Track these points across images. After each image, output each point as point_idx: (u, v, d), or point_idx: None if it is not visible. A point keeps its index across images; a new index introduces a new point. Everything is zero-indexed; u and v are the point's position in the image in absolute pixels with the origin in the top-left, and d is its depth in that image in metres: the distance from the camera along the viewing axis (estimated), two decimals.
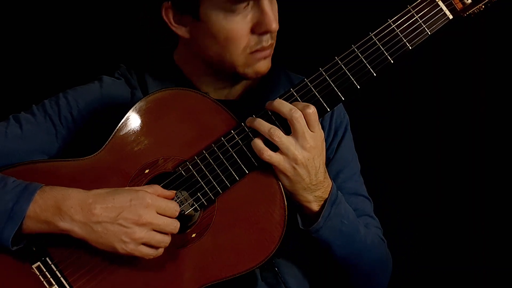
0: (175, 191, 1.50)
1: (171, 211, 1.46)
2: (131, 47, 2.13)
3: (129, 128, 1.52)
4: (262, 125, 1.49)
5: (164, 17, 1.59)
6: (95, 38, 2.18)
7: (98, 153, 1.51)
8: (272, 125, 1.48)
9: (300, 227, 1.54)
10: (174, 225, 1.46)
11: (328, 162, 1.66)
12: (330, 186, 1.54)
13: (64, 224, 1.41)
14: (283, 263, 1.62)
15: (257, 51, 1.56)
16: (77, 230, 1.42)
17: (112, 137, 1.52)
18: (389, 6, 1.55)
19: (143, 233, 1.43)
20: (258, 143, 1.49)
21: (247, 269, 1.50)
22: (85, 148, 1.53)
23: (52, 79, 2.09)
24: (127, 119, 1.52)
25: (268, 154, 1.48)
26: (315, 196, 1.52)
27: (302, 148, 1.47)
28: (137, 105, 1.53)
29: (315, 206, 1.53)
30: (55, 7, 2.16)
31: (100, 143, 1.52)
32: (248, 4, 1.52)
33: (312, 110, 1.47)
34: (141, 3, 1.66)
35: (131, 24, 2.14)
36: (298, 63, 1.74)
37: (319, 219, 1.52)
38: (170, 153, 1.52)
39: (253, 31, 1.54)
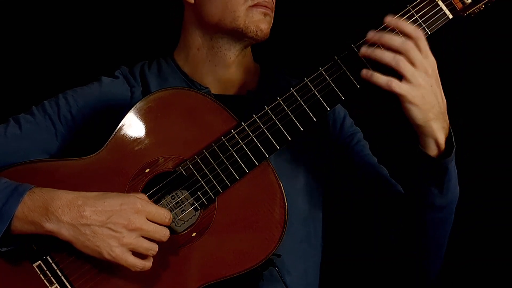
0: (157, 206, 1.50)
1: (161, 217, 1.45)
2: (133, 48, 2.14)
3: (129, 128, 1.53)
4: (385, 55, 1.46)
5: None
6: (97, 39, 2.19)
7: (99, 152, 1.52)
8: (396, 54, 1.45)
9: (434, 154, 1.48)
10: (164, 233, 1.45)
11: (343, 142, 1.72)
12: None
13: (50, 225, 1.41)
14: (284, 262, 1.62)
15: (258, 4, 1.64)
16: (63, 231, 1.41)
17: (112, 137, 1.52)
18: (389, 5, 1.55)
19: (131, 239, 1.42)
20: (381, 76, 1.45)
21: (247, 268, 1.50)
22: (86, 148, 1.54)
23: (52, 81, 2.09)
24: (128, 118, 1.53)
25: (397, 84, 1.44)
26: (443, 127, 1.48)
27: (425, 74, 1.45)
28: (137, 105, 1.53)
29: (441, 137, 1.48)
30: (56, 8, 2.17)
31: (100, 142, 1.52)
32: None
33: (421, 36, 1.45)
34: None
35: (133, 25, 2.15)
36: (298, 63, 1.75)
37: (453, 150, 1.47)
38: (170, 152, 1.53)
39: None
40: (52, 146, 1.61)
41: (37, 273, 1.46)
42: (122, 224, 1.42)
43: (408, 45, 1.45)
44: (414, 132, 1.50)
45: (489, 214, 2.13)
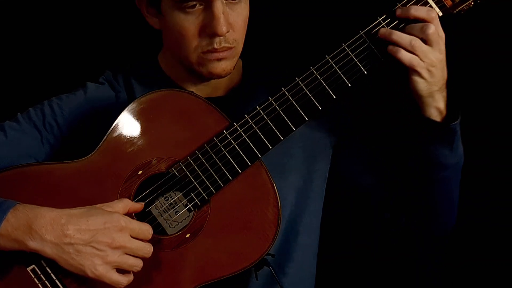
0: (143, 203, 1.51)
1: (144, 234, 1.46)
2: (117, 52, 2.14)
3: (122, 130, 1.53)
4: (403, 38, 1.51)
5: (138, 5, 1.65)
6: (81, 44, 2.18)
7: (91, 155, 1.52)
8: (412, 37, 1.51)
9: (439, 121, 1.55)
10: (147, 249, 1.46)
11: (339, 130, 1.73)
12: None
13: (34, 244, 1.40)
14: (279, 257, 1.62)
15: (208, 51, 1.58)
16: (47, 250, 1.40)
17: (105, 139, 1.52)
18: (379, 4, 1.56)
19: (115, 257, 1.42)
20: (405, 53, 1.51)
21: (241, 268, 1.51)
22: (75, 154, 1.53)
23: (37, 87, 2.08)
24: (120, 120, 1.53)
25: (416, 59, 1.50)
26: (443, 96, 1.56)
27: (438, 52, 1.51)
28: (129, 107, 1.53)
29: (442, 105, 1.56)
30: (40, 15, 2.17)
31: (89, 147, 1.52)
32: (198, 6, 1.55)
33: (435, 16, 1.52)
34: None
35: (117, 28, 2.15)
36: (291, 62, 1.76)
37: (459, 114, 1.55)
38: (163, 154, 1.53)
39: (202, 32, 1.56)
40: (39, 151, 1.60)
41: (31, 277, 1.46)
42: (106, 243, 1.42)
43: (429, 28, 1.50)
44: (414, 103, 1.56)
45: (487, 215, 2.13)
